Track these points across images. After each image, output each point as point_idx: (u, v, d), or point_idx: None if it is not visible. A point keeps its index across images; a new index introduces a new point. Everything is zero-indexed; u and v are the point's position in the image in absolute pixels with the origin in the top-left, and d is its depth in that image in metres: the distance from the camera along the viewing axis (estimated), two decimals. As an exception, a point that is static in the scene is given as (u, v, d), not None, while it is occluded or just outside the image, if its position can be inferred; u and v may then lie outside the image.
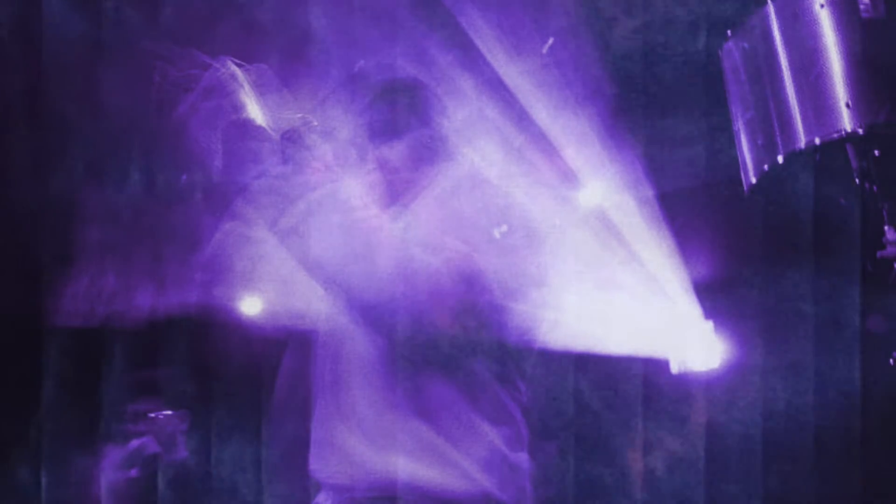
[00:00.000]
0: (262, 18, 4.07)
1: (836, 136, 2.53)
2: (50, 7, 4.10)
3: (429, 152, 2.63)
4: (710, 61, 3.73)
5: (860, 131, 2.51)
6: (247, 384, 4.38)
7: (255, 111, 2.56)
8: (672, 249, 3.94)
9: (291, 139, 2.51)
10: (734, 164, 2.82)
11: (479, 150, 2.71)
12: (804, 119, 2.57)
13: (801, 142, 2.57)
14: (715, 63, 2.86)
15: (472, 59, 3.63)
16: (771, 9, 2.63)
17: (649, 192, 4.02)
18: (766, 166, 2.66)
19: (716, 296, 4.07)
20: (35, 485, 4.18)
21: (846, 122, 2.51)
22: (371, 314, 2.43)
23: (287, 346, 2.83)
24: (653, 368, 4.13)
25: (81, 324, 3.92)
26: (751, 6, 2.71)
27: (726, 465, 4.17)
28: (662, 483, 4.26)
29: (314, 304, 2.60)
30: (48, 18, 4.10)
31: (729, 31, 2.76)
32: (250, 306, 2.79)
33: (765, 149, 2.65)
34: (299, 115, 2.58)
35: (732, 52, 2.75)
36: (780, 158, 2.61)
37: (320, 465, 2.60)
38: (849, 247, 3.88)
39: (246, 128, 2.51)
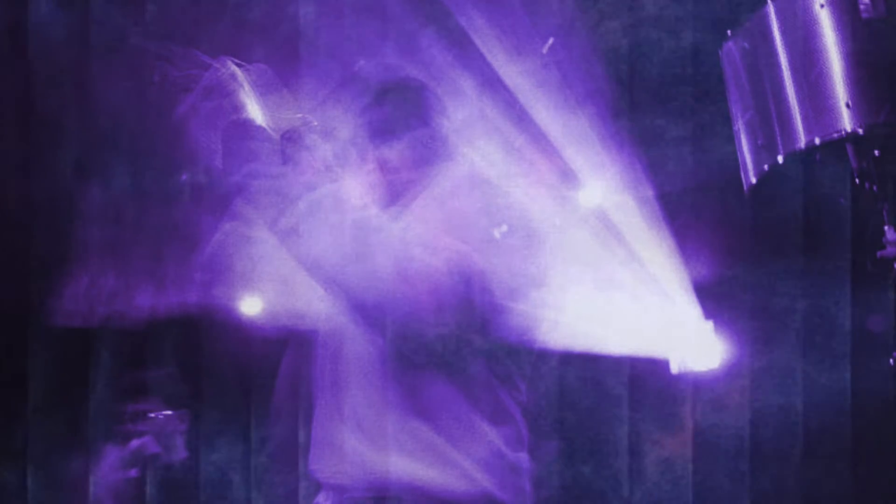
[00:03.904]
0: (262, 18, 4.07)
1: (836, 136, 2.53)
2: (55, 9, 4.10)
3: (429, 152, 2.63)
4: (711, 60, 3.73)
5: (860, 131, 2.50)
6: (246, 384, 4.38)
7: (255, 111, 2.56)
8: (672, 249, 3.93)
9: (291, 139, 2.51)
10: (734, 164, 2.82)
11: (479, 150, 2.71)
12: (804, 119, 2.57)
13: (801, 142, 2.57)
14: (716, 62, 2.86)
15: (472, 59, 3.63)
16: (771, 9, 2.63)
17: (649, 192, 4.01)
18: (766, 166, 2.66)
19: (716, 296, 4.06)
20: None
21: (846, 122, 2.51)
22: (371, 314, 2.43)
23: (287, 346, 2.83)
24: (653, 369, 4.13)
25: (81, 324, 3.92)
26: (751, 6, 2.71)
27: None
28: (665, 483, 4.26)
29: (314, 304, 2.60)
30: (49, 17, 4.10)
31: (729, 31, 2.76)
32: (250, 306, 2.79)
33: (765, 149, 2.65)
34: (299, 115, 2.58)
35: (732, 52, 2.75)
36: (780, 158, 2.61)
37: (320, 465, 2.60)
38: (849, 247, 3.88)
39: (246, 128, 2.51)
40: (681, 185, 4.17)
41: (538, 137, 3.73)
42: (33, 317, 4.12)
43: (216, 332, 3.84)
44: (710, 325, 4.00)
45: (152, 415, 4.17)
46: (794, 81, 2.59)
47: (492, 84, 3.62)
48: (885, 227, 2.60)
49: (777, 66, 2.62)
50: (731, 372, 4.10)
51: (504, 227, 2.47)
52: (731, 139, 2.82)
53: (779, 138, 2.61)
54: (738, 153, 2.78)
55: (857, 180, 2.62)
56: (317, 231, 2.40)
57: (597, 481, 4.28)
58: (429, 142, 2.63)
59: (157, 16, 4.03)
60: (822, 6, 2.55)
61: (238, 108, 2.54)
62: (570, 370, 4.27)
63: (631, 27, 4.19)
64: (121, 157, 4.25)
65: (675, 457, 4.23)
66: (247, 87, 2.57)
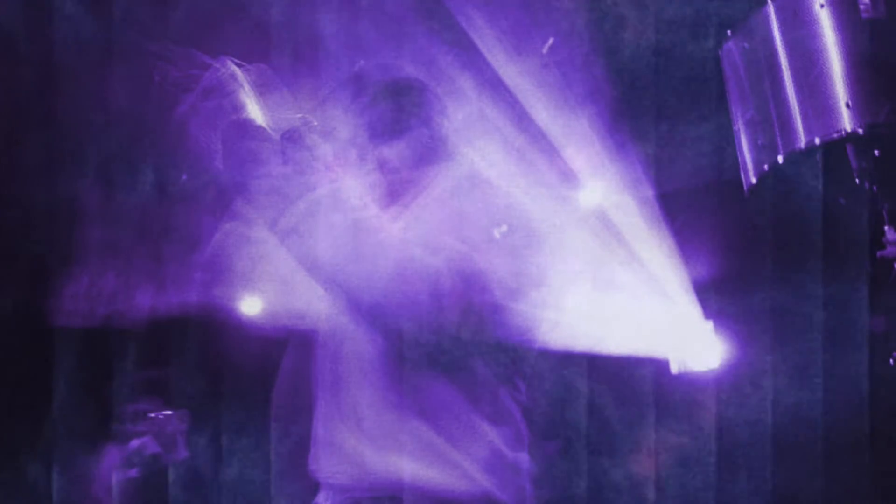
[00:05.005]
0: (262, 18, 4.07)
1: (836, 136, 2.53)
2: (53, 7, 4.10)
3: (429, 152, 2.63)
4: (711, 61, 3.73)
5: (860, 131, 2.51)
6: (246, 384, 4.38)
7: (255, 111, 2.55)
8: (672, 249, 3.93)
9: (291, 139, 2.51)
10: (734, 164, 2.82)
11: (479, 150, 2.71)
12: (804, 119, 2.57)
13: (801, 142, 2.57)
14: (716, 63, 2.86)
15: (472, 59, 3.63)
16: (771, 9, 2.63)
17: (649, 192, 4.02)
18: (766, 166, 2.66)
19: (716, 296, 4.07)
20: (42, 484, 4.19)
21: (846, 122, 2.51)
22: (371, 314, 2.42)
23: (287, 346, 2.83)
24: (652, 369, 4.13)
25: (81, 324, 3.92)
26: (751, 6, 2.71)
27: (733, 465, 4.17)
28: (663, 483, 4.26)
29: (314, 304, 2.60)
30: (50, 19, 4.10)
31: (729, 31, 2.76)
32: (250, 306, 2.79)
33: (765, 149, 2.65)
34: (299, 115, 2.58)
35: (732, 52, 2.75)
36: (780, 158, 2.61)
37: (320, 465, 2.60)
38: (849, 247, 3.88)
39: (246, 128, 2.51)
40: (681, 185, 4.17)
41: (538, 137, 3.74)
42: (34, 317, 4.12)
43: (216, 332, 3.84)
44: (710, 325, 4.01)
45: (152, 415, 4.17)
46: (794, 81, 2.59)
47: (492, 84, 3.62)
48: (885, 227, 2.60)
49: (777, 66, 2.62)
50: (730, 371, 4.10)
51: (504, 227, 2.47)
52: (731, 139, 2.82)
53: (779, 138, 2.61)
54: (738, 153, 2.78)
55: (857, 180, 2.62)
56: (317, 231, 2.40)
57: (593, 481, 4.28)
58: (429, 142, 2.63)
59: (155, 16, 4.03)
60: (822, 6, 2.55)
61: (238, 108, 2.54)
62: (569, 370, 4.27)
63: (634, 28, 4.19)
64: (121, 157, 4.25)
65: (663, 461, 4.23)
66: (247, 87, 2.57)
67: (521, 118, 3.66)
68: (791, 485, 4.03)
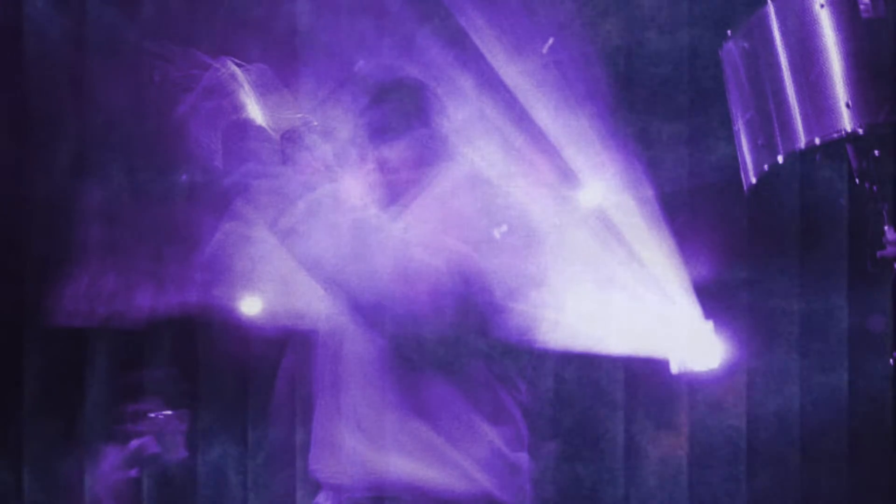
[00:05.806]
0: (261, 18, 4.07)
1: (836, 136, 2.53)
2: (49, 5, 4.10)
3: (429, 152, 2.63)
4: (709, 61, 3.73)
5: (860, 131, 2.51)
6: (246, 384, 4.38)
7: (255, 111, 2.55)
8: (672, 249, 3.94)
9: (291, 139, 2.51)
10: (734, 164, 2.82)
11: (479, 150, 2.71)
12: (804, 119, 2.57)
13: (801, 142, 2.57)
14: (715, 63, 2.86)
15: (472, 59, 3.63)
16: (771, 9, 2.63)
17: (649, 192, 4.02)
18: (766, 166, 2.66)
19: (716, 296, 4.07)
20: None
21: (846, 122, 2.51)
22: (371, 314, 2.42)
23: (287, 346, 2.83)
24: (653, 368, 4.13)
25: (81, 324, 3.92)
26: (750, 6, 2.71)
27: (726, 466, 4.17)
28: (660, 483, 4.26)
29: (314, 304, 2.59)
30: (47, 17, 4.10)
31: (729, 31, 2.76)
32: (250, 306, 2.79)
33: (765, 149, 2.65)
34: (299, 115, 2.58)
35: (732, 52, 2.75)
36: (780, 158, 2.62)
37: (320, 465, 2.60)
38: (849, 247, 3.88)
39: (246, 128, 2.51)
40: (680, 185, 4.17)
41: (538, 137, 3.74)
42: (32, 317, 4.12)
43: (216, 332, 3.84)
44: (710, 325, 4.01)
45: (152, 415, 4.17)
46: (794, 81, 2.59)
47: (492, 84, 3.62)
48: (885, 227, 2.60)
49: (777, 66, 2.62)
50: (730, 372, 4.10)
51: (504, 227, 2.47)
52: (731, 139, 2.82)
53: (779, 138, 2.61)
54: (738, 153, 2.79)
55: (857, 180, 2.62)
56: (316, 231, 2.40)
57: (594, 481, 4.28)
58: (429, 142, 2.63)
59: (155, 15, 4.03)
60: (822, 6, 2.55)
61: (238, 108, 2.53)
62: (570, 370, 4.27)
63: (631, 27, 4.19)
64: (121, 158, 4.25)
65: (672, 457, 4.23)
66: (247, 87, 2.57)
67: (521, 118, 3.67)
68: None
